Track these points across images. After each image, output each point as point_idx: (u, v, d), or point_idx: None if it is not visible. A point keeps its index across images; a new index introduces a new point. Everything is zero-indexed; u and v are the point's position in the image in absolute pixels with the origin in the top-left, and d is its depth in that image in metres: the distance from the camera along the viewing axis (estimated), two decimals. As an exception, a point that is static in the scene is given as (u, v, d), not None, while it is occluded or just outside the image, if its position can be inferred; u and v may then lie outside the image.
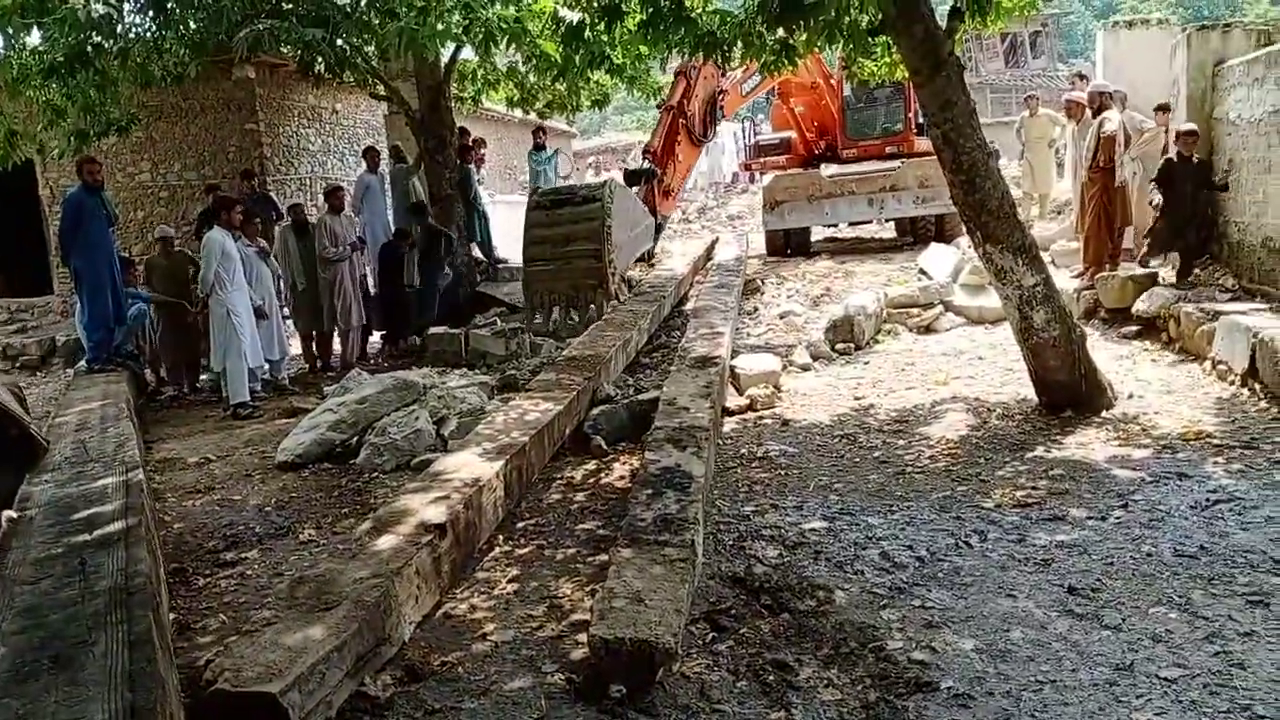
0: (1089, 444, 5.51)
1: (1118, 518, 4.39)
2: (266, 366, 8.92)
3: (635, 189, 12.00)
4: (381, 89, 11.53)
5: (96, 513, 3.83)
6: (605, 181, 11.00)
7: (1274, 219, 7.60)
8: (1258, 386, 6.20)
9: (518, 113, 15.90)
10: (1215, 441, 5.39)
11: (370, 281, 10.70)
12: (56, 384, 9.59)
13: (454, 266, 11.03)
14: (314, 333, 10.04)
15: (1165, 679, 3.04)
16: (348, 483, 5.97)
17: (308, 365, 10.01)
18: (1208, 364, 6.93)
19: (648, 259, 12.64)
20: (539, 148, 14.65)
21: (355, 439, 6.49)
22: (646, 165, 12.47)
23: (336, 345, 10.29)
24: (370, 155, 12.33)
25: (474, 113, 15.50)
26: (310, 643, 3.14)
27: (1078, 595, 3.66)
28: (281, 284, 9.62)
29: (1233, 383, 6.49)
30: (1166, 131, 9.07)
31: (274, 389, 8.97)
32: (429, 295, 10.61)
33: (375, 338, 10.77)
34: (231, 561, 4.78)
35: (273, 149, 13.76)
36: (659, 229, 12.92)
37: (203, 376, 9.43)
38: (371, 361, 9.99)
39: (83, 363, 8.90)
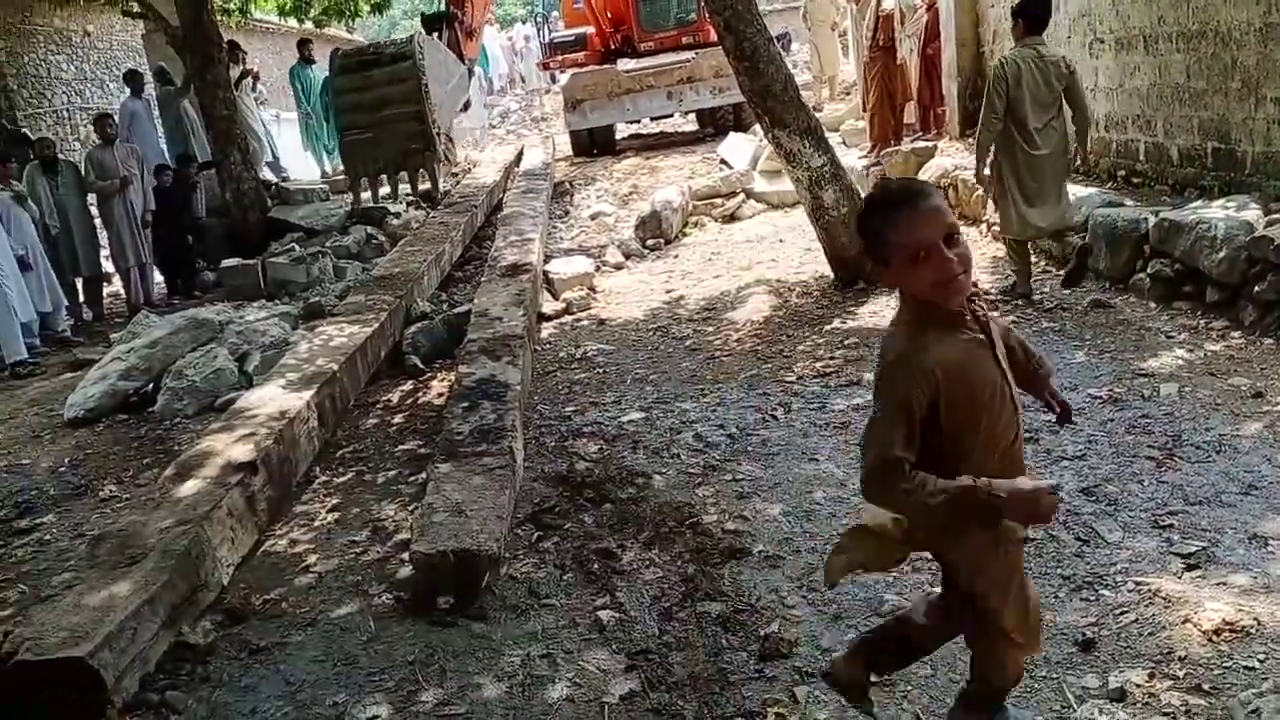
0: (880, 312, 5.86)
1: (905, 377, 4.72)
2: (39, 319, 8.20)
3: (435, 35, 11.52)
4: (135, 5, 10.52)
5: None
6: (412, 35, 10.42)
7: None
8: (1025, 244, 6.70)
9: (292, 22, 14.83)
10: (991, 297, 5.83)
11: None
12: None
13: (240, 193, 10.34)
14: (77, 280, 9.14)
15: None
16: (148, 432, 5.65)
17: (74, 316, 9.06)
18: (984, 226, 7.44)
19: (465, 109, 12.23)
20: (306, 61, 12.90)
21: (150, 386, 6.12)
22: (442, 9, 11.99)
23: (116, 288, 9.58)
24: (133, 79, 11.24)
25: (244, 25, 14.40)
26: (117, 600, 3.02)
27: (872, 452, 3.93)
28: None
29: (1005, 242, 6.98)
30: (930, 9, 9.44)
31: (54, 342, 8.29)
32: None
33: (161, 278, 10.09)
34: (27, 529, 4.50)
35: (18, 80, 12.41)
36: (470, 74, 12.55)
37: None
38: (160, 303, 9.34)
39: None
